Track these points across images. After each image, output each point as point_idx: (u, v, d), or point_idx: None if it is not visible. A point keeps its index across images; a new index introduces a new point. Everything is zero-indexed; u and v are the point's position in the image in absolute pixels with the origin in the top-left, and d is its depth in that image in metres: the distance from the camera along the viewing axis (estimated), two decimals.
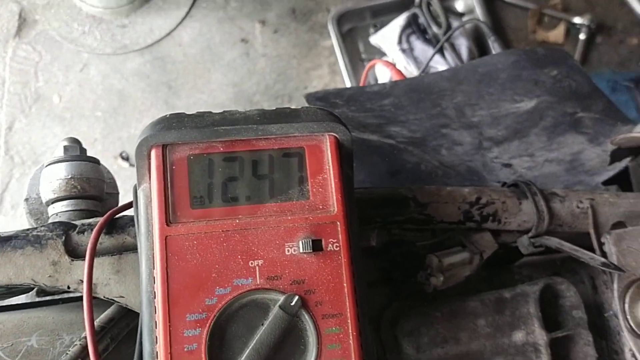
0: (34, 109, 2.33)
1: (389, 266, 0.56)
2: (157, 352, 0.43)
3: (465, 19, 2.25)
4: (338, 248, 0.46)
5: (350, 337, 0.44)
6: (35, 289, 0.65)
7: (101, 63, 2.41)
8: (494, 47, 1.76)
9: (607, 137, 0.73)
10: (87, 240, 0.53)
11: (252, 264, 0.45)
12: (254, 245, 0.45)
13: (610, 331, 0.55)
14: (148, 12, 2.47)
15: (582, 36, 2.29)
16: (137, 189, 0.49)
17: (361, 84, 1.84)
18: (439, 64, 2.00)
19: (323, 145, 0.48)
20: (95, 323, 0.51)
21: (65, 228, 0.55)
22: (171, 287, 0.44)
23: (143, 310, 0.46)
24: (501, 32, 2.30)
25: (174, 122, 0.47)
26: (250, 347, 0.43)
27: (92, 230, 0.54)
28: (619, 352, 0.55)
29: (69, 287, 0.53)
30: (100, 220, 0.53)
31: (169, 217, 0.45)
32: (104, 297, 0.53)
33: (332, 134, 0.48)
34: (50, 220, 0.62)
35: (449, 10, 2.23)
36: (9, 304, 0.63)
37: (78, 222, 0.56)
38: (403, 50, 2.13)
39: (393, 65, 1.93)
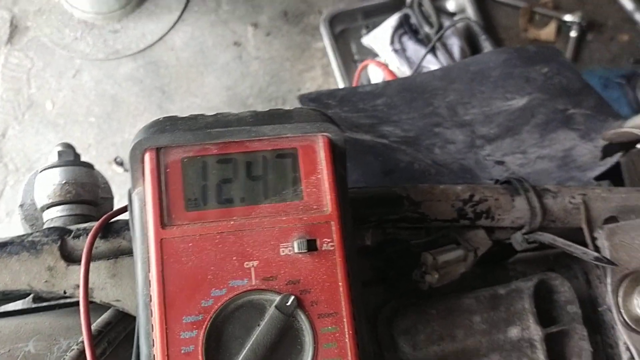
0: (27, 115, 2.32)
1: (384, 265, 0.57)
2: (154, 355, 0.43)
3: (456, 18, 2.25)
4: (333, 247, 0.46)
5: (346, 336, 0.44)
6: (31, 296, 0.65)
7: (94, 69, 2.41)
8: (485, 46, 1.77)
9: (599, 132, 0.73)
10: (82, 245, 0.53)
11: (247, 265, 0.45)
12: (249, 246, 0.46)
13: (604, 325, 0.56)
14: (140, 16, 2.47)
15: (573, 34, 2.30)
16: (131, 192, 0.49)
17: (354, 85, 1.84)
18: (432, 64, 2.00)
19: (316, 146, 0.48)
20: (92, 327, 0.51)
21: (60, 233, 0.55)
22: (167, 290, 0.44)
23: (139, 314, 0.46)
24: (493, 31, 2.31)
25: (167, 125, 0.47)
26: (247, 347, 0.43)
27: (87, 234, 0.54)
28: (613, 345, 0.55)
29: (65, 292, 0.53)
30: (95, 224, 0.53)
31: (163, 219, 0.45)
32: (101, 301, 0.53)
33: (325, 134, 0.48)
34: (45, 226, 0.63)
35: (441, 10, 2.24)
36: (6, 310, 0.63)
37: (73, 227, 0.56)
38: (396, 51, 2.13)
39: (385, 65, 1.94)
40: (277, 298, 0.44)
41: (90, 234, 0.52)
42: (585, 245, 0.56)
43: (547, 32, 2.31)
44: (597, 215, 0.58)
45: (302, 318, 0.45)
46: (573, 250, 0.54)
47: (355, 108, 0.82)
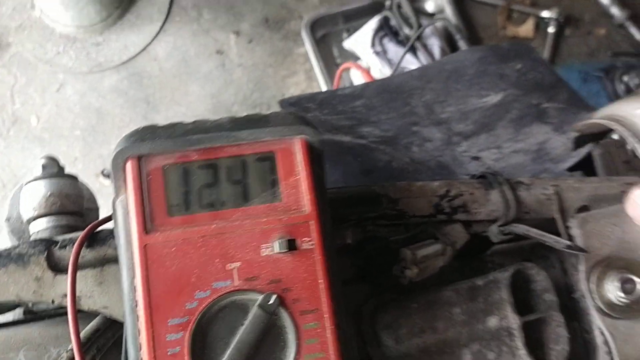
0: (12, 131, 2.32)
1: (365, 262, 0.58)
2: (141, 358, 0.44)
3: (436, 19, 2.28)
4: (312, 246, 0.47)
5: (328, 331, 0.46)
6: (22, 309, 0.66)
7: (77, 82, 2.41)
8: (461, 45, 1.79)
9: (571, 125, 0.75)
10: (69, 255, 0.54)
11: (230, 266, 0.46)
12: (231, 249, 0.47)
13: (580, 311, 0.57)
14: (122, 28, 2.48)
15: (551, 29, 2.33)
16: (115, 201, 0.50)
17: (334, 88, 1.86)
18: (413, 65, 2.03)
19: (293, 148, 0.50)
20: (81, 335, 0.52)
21: (46, 244, 0.56)
22: (152, 294, 0.45)
23: (126, 319, 0.47)
24: (472, 29, 2.34)
25: (147, 133, 0.48)
26: (231, 346, 0.45)
27: (73, 244, 0.55)
28: (589, 330, 0.57)
29: (53, 301, 0.54)
30: (80, 234, 0.55)
31: (147, 226, 0.47)
32: (89, 308, 0.54)
33: (302, 136, 0.50)
34: (32, 238, 0.64)
35: (420, 12, 2.27)
36: None
37: (59, 238, 0.57)
38: (377, 53, 2.15)
39: (361, 67, 1.95)
40: (260, 297, 0.46)
41: (76, 244, 0.53)
42: (560, 235, 0.58)
43: (526, 29, 2.35)
44: (570, 205, 0.60)
45: (284, 316, 0.46)
46: (546, 240, 0.55)
47: (335, 110, 0.83)
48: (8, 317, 0.66)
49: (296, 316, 0.46)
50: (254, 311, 0.45)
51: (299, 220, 0.48)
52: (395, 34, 2.16)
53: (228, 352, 0.45)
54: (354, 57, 2.25)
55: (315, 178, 0.49)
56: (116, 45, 2.47)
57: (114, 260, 0.55)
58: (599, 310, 0.55)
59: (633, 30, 2.30)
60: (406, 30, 2.13)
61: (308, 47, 2.30)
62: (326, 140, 0.75)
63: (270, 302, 0.46)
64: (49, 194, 0.63)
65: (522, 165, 0.73)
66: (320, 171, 0.51)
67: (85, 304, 0.54)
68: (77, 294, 0.54)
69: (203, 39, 2.47)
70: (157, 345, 0.44)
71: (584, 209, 0.60)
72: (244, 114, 0.52)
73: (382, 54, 2.15)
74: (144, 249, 0.46)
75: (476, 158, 0.75)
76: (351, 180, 0.71)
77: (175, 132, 0.48)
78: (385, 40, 2.17)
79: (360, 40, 2.19)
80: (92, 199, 0.70)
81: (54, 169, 0.65)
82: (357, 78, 2.07)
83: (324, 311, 0.46)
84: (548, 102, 0.81)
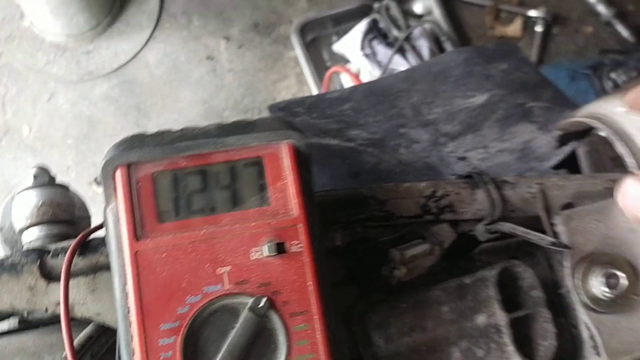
0: (4, 141, 2.32)
1: (354, 264, 0.59)
2: None
3: (424, 20, 2.29)
4: (301, 249, 0.48)
5: (318, 332, 0.47)
6: (17, 318, 0.66)
7: (69, 91, 2.41)
8: (447, 47, 1.81)
9: (556, 124, 0.76)
10: (61, 263, 0.55)
11: (220, 271, 0.47)
12: (221, 253, 0.48)
13: (567, 307, 0.58)
14: (111, 36, 2.48)
15: (538, 28, 2.35)
16: (106, 209, 0.51)
17: (324, 92, 1.87)
18: (402, 66, 2.04)
19: (280, 153, 0.50)
20: (74, 342, 0.52)
21: (39, 253, 0.56)
22: (144, 300, 0.46)
23: (119, 325, 0.48)
24: (461, 30, 2.36)
25: (135, 142, 0.49)
26: (223, 349, 0.45)
27: (65, 253, 0.55)
28: (576, 325, 0.58)
29: (47, 310, 0.55)
30: (72, 242, 0.55)
31: (137, 232, 0.47)
32: (82, 316, 0.55)
33: (289, 141, 0.50)
34: (24, 247, 0.64)
35: (408, 13, 2.28)
36: None
37: (52, 246, 0.58)
38: (367, 56, 2.17)
39: (349, 70, 1.97)
40: (250, 300, 0.46)
41: (68, 252, 0.54)
42: (545, 232, 0.59)
43: (514, 29, 2.36)
44: (555, 203, 0.61)
45: (274, 318, 0.47)
46: (531, 237, 0.56)
47: (324, 114, 0.84)
48: (3, 326, 0.67)
49: (286, 318, 0.47)
50: (244, 314, 0.46)
51: (288, 223, 0.49)
52: (384, 36, 2.18)
53: (220, 355, 0.45)
54: (344, 60, 2.26)
55: (303, 182, 0.50)
56: (106, 53, 2.47)
57: (106, 267, 0.56)
58: (585, 305, 0.56)
59: (619, 27, 2.32)
60: (395, 32, 2.15)
61: (298, 51, 2.31)
62: (314, 144, 0.75)
63: (261, 305, 0.46)
64: (40, 203, 0.64)
65: (507, 165, 0.74)
66: (307, 175, 0.52)
67: (79, 312, 0.55)
68: (70, 301, 0.54)
69: (193, 45, 2.48)
70: (150, 350, 0.45)
71: (568, 206, 0.61)
72: (236, 118, 0.53)
73: (372, 56, 2.16)
74: (135, 255, 0.47)
75: (463, 158, 0.77)
76: (339, 183, 0.72)
77: (164, 140, 0.49)
78: (375, 43, 2.19)
79: (349, 43, 2.20)
80: (84, 208, 0.70)
81: (45, 178, 0.66)
82: (347, 81, 2.08)
83: (313, 312, 0.47)
84: (533, 102, 0.82)
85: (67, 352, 0.50)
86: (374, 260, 0.58)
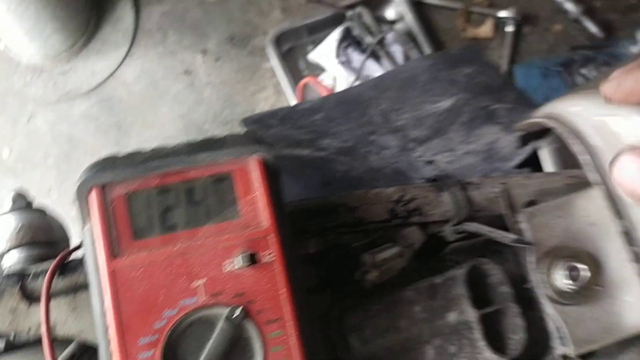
0: None
1: (327, 271, 0.61)
2: None
3: (397, 26, 2.33)
4: (273, 258, 0.50)
5: (292, 338, 0.48)
6: (4, 341, 0.67)
7: (47, 112, 2.41)
8: (412, 54, 1.84)
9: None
10: (42, 285, 0.56)
11: (195, 284, 0.49)
12: (196, 267, 0.49)
13: (534, 301, 0.60)
14: (88, 55, 2.49)
15: (509, 29, 2.39)
16: (83, 229, 0.52)
17: (297, 102, 1.89)
18: (377, 72, 2.07)
19: (249, 167, 0.52)
20: None
21: (20, 276, 0.58)
22: (122, 317, 0.47)
23: (100, 342, 0.49)
24: (434, 34, 2.39)
25: (108, 164, 0.51)
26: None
27: (45, 274, 0.57)
28: (543, 318, 0.60)
29: (29, 331, 0.56)
30: (52, 264, 0.57)
31: (113, 251, 0.49)
32: (64, 334, 0.56)
33: (257, 155, 0.52)
34: (5, 272, 0.65)
35: (381, 20, 2.31)
36: None
37: (32, 268, 0.59)
38: (342, 63, 2.19)
39: (318, 81, 2.00)
40: (226, 311, 0.48)
41: (47, 273, 0.55)
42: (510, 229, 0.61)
43: (485, 30, 2.40)
44: (518, 201, 0.63)
45: (250, 327, 0.48)
46: (495, 236, 0.59)
47: (296, 125, 0.86)
48: None
49: (261, 326, 0.48)
50: (220, 324, 0.48)
51: (259, 235, 0.51)
52: (358, 44, 2.20)
53: None
54: (320, 69, 2.29)
55: (272, 194, 0.52)
56: (84, 73, 2.48)
57: (86, 286, 0.57)
58: (550, 298, 0.58)
59: (588, 24, 2.36)
60: (368, 39, 2.18)
61: (274, 62, 2.33)
62: (287, 155, 0.77)
63: (236, 314, 0.48)
64: (20, 226, 0.65)
65: (473, 166, 0.77)
66: (277, 187, 0.53)
67: (61, 330, 0.56)
68: (52, 321, 0.56)
69: (170, 60, 2.49)
70: None
71: (531, 203, 0.63)
72: (216, 131, 0.55)
73: (347, 63, 2.19)
74: (112, 274, 0.48)
75: (430, 162, 0.79)
76: (312, 192, 0.74)
77: (135, 160, 0.51)
78: (350, 50, 2.22)
79: (324, 52, 2.23)
80: (62, 229, 0.72)
81: (22, 202, 0.68)
82: (323, 90, 2.10)
83: (287, 319, 0.49)
84: (497, 103, 0.84)
85: None
86: (346, 266, 0.60)
